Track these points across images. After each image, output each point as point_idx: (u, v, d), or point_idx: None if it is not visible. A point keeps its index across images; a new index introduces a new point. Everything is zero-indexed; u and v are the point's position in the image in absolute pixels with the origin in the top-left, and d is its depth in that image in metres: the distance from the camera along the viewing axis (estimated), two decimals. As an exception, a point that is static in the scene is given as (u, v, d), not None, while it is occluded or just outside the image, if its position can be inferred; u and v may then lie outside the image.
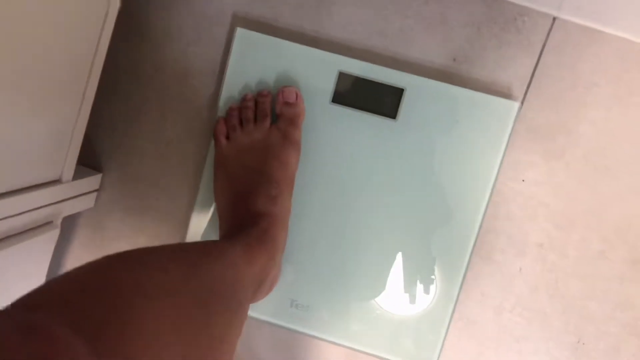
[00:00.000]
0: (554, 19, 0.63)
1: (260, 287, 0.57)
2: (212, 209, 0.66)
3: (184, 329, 0.37)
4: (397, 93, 0.63)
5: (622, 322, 0.65)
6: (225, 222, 0.60)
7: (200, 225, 0.67)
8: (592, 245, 0.65)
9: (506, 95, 0.64)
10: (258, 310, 0.67)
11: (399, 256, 0.65)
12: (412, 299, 0.65)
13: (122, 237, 0.70)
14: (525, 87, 0.64)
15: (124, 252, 0.39)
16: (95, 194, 0.69)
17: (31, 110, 0.51)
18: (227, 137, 0.63)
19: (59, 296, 0.32)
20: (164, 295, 0.37)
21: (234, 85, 0.65)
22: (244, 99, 0.63)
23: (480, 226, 0.64)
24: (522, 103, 0.64)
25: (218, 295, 0.43)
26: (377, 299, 0.66)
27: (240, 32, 0.63)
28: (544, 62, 0.63)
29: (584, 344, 0.66)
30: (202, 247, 0.48)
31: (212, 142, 0.64)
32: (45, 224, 0.60)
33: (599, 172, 0.64)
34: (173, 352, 0.35)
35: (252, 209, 0.57)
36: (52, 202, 0.59)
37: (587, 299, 0.66)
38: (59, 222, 0.62)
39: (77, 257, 0.71)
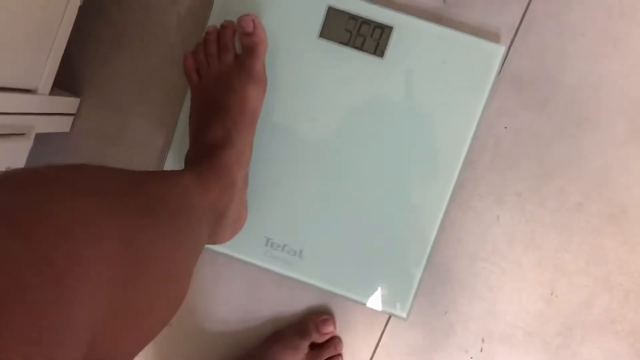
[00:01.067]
0: (545, -32, 0.63)
1: (218, 222, 0.55)
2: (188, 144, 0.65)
3: (129, 228, 0.33)
4: (386, 31, 0.63)
5: (595, 276, 0.66)
6: (187, 157, 0.59)
7: (178, 158, 0.66)
8: (571, 197, 0.65)
9: (494, 40, 0.64)
10: (231, 248, 0.66)
11: (377, 196, 0.64)
12: (388, 241, 0.64)
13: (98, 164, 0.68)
14: (512, 34, 0.64)
15: (69, 163, 0.36)
16: (71, 118, 0.68)
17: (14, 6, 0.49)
18: (199, 74, 0.61)
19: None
20: (103, 193, 0.34)
21: (219, 17, 0.63)
22: (207, 33, 0.61)
23: (461, 171, 0.64)
24: (508, 49, 0.64)
25: (167, 207, 0.41)
26: (353, 241, 0.65)
27: (230, -43, 0.63)
28: (533, 10, 0.64)
29: (557, 296, 0.66)
30: (150, 171, 0.46)
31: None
32: (18, 134, 0.58)
33: (580, 124, 0.64)
34: (118, 248, 0.32)
35: (206, 141, 0.56)
36: (26, 111, 0.57)
37: (563, 250, 0.66)
38: (31, 136, 0.60)
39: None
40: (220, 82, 0.60)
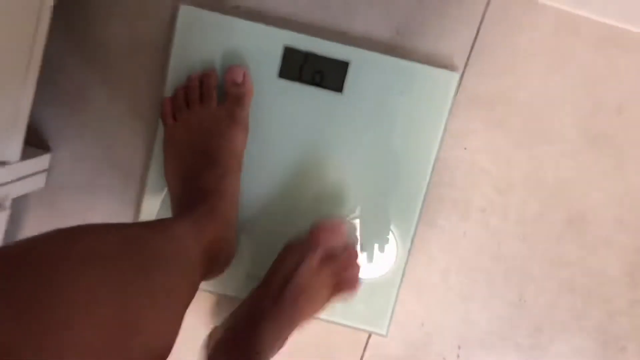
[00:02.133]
0: (492, -10, 0.64)
1: (212, 262, 0.58)
2: (164, 188, 0.67)
3: (121, 292, 0.37)
4: (342, 67, 0.64)
5: (559, 279, 0.70)
6: (175, 201, 0.61)
7: (153, 203, 0.68)
8: (531, 208, 0.68)
9: (448, 65, 0.66)
10: (215, 286, 0.69)
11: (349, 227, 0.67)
12: (363, 265, 0.68)
13: (75, 215, 0.71)
14: (465, 58, 0.66)
15: (65, 227, 0.40)
16: (45, 173, 0.69)
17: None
18: (174, 118, 0.63)
19: None
20: (99, 260, 0.37)
21: (180, 63, 0.65)
22: (189, 79, 0.63)
23: (426, 193, 0.67)
24: (462, 73, 0.66)
25: (160, 264, 0.44)
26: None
27: (184, 9, 0.63)
28: (483, 33, 0.65)
29: (525, 301, 0.70)
30: (144, 223, 0.49)
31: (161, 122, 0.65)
32: (-6, 206, 0.60)
33: (535, 138, 0.67)
34: (108, 312, 0.35)
35: (199, 188, 0.58)
36: (-1, 183, 0.59)
37: (527, 258, 0.69)
38: (7, 204, 0.62)
39: (31, 238, 0.71)
40: (203, 127, 0.62)
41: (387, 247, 0.67)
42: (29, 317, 0.30)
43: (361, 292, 0.68)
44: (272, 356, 0.61)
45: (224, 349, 0.59)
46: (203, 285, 0.67)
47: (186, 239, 0.51)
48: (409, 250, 0.67)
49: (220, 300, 0.71)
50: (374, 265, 0.67)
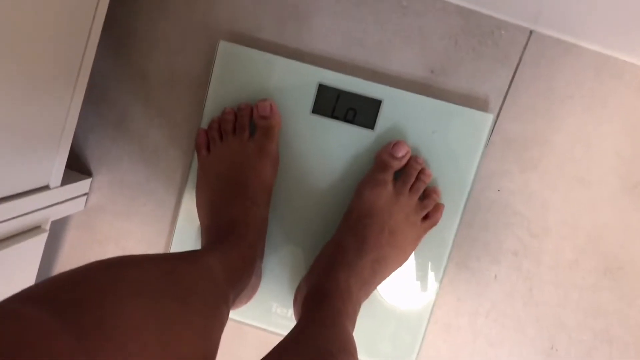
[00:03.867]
0: (531, 32, 0.64)
1: (239, 293, 0.59)
2: (196, 217, 0.68)
3: (165, 322, 0.39)
4: (375, 104, 0.65)
5: (594, 330, 0.67)
6: (205, 230, 0.63)
7: (185, 230, 0.70)
8: (566, 254, 0.66)
9: (483, 106, 0.65)
10: (242, 315, 0.69)
11: (377, 262, 0.67)
12: (391, 303, 0.67)
13: (111, 239, 0.73)
14: (502, 99, 0.65)
15: (106, 258, 0.42)
16: (84, 197, 0.72)
17: (19, 116, 0.53)
18: (209, 148, 0.65)
19: (41, 290, 0.35)
20: (145, 290, 0.40)
21: (217, 96, 0.66)
22: (224, 112, 0.65)
23: (457, 234, 0.66)
24: (498, 114, 0.65)
25: (196, 295, 0.46)
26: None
27: (223, 44, 0.65)
28: (521, 74, 0.64)
29: (557, 350, 0.68)
30: (178, 255, 0.50)
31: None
32: (34, 229, 0.63)
33: (571, 182, 0.65)
34: (153, 339, 0.37)
35: (228, 218, 0.60)
36: (40, 207, 0.62)
37: (561, 306, 0.67)
38: (47, 226, 0.64)
39: (67, 258, 0.74)
40: (236, 159, 0.63)
41: (419, 280, 0.66)
42: (89, 343, 0.32)
43: (388, 329, 0.67)
44: (366, 296, 0.61)
45: (312, 299, 0.58)
46: (231, 314, 0.68)
47: (215, 271, 0.52)
48: (438, 290, 0.66)
49: (245, 329, 0.72)
50: (405, 296, 0.67)
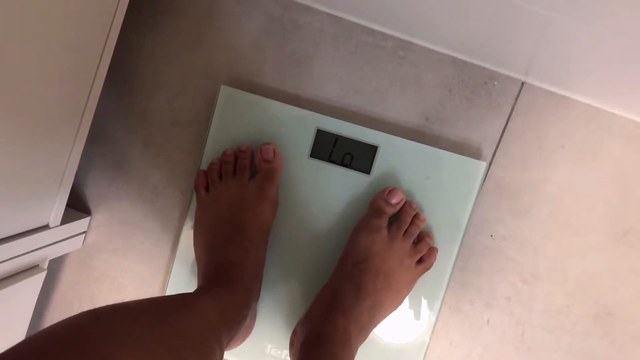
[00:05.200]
0: (522, 83, 0.66)
1: (234, 333, 0.59)
2: (193, 255, 0.69)
3: None
4: (371, 150, 0.66)
5: (585, 375, 0.68)
6: (201, 270, 0.63)
7: (182, 269, 0.70)
8: (557, 300, 0.67)
9: (476, 154, 0.67)
10: (237, 356, 0.69)
11: (371, 305, 0.67)
12: (385, 345, 0.67)
13: (107, 277, 0.73)
14: (494, 147, 0.67)
15: (97, 307, 0.42)
16: (82, 236, 0.72)
17: (22, 158, 0.54)
18: (207, 189, 0.66)
19: (33, 349, 0.35)
20: (135, 342, 0.40)
21: (217, 138, 0.68)
22: (224, 154, 0.66)
23: (450, 277, 0.67)
24: (491, 162, 0.67)
25: (189, 343, 0.46)
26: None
27: (224, 89, 0.67)
28: (513, 124, 0.66)
29: (548, 395, 0.68)
30: (172, 299, 0.51)
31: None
32: (32, 268, 0.63)
33: (563, 229, 0.67)
34: None
35: (225, 259, 0.60)
36: (39, 247, 0.62)
37: (553, 351, 0.68)
38: (45, 265, 0.65)
39: (63, 295, 0.74)
40: (236, 200, 0.64)
41: (413, 323, 0.67)
42: None
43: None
44: (362, 340, 0.61)
45: (311, 343, 0.58)
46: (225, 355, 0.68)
47: (209, 314, 0.52)
48: (431, 334, 0.67)
49: (240, 371, 0.72)
50: (400, 340, 0.67)
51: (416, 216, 0.64)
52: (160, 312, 0.46)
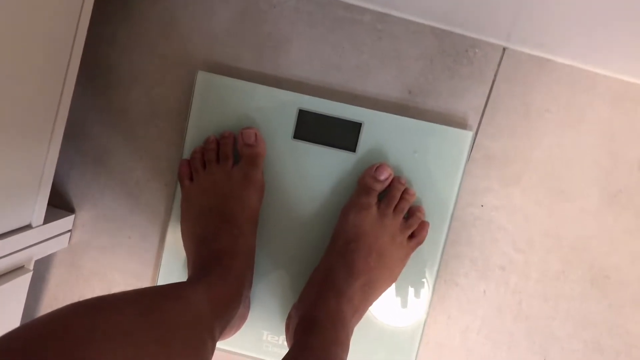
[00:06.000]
0: (504, 49, 0.65)
1: (227, 323, 0.58)
2: (182, 248, 0.68)
3: None
4: (355, 127, 0.65)
5: (584, 340, 0.67)
6: (191, 261, 0.62)
7: (172, 261, 0.69)
8: (552, 266, 0.67)
9: (462, 124, 0.66)
10: (232, 345, 0.69)
11: (365, 284, 0.67)
12: (382, 325, 0.67)
13: (97, 274, 0.72)
14: (479, 116, 0.66)
15: (82, 300, 0.41)
16: (68, 234, 0.71)
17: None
18: (191, 179, 0.64)
19: (14, 342, 0.34)
20: (121, 335, 0.38)
21: (198, 126, 0.67)
22: (206, 141, 0.65)
23: (443, 251, 0.66)
24: (477, 131, 0.66)
25: (178, 334, 0.45)
26: (347, 327, 0.67)
27: (201, 75, 0.65)
28: (497, 91, 0.65)
29: (549, 362, 0.68)
30: (161, 290, 0.50)
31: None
32: (18, 269, 0.62)
33: (554, 195, 0.66)
34: None
35: (215, 248, 0.59)
36: (23, 247, 0.61)
37: (550, 318, 0.67)
38: (31, 265, 0.64)
39: (53, 296, 0.73)
40: (220, 188, 0.63)
41: (409, 300, 0.66)
42: None
43: (379, 351, 0.67)
44: (358, 320, 0.61)
45: (305, 327, 0.57)
46: (218, 344, 0.67)
47: (200, 305, 0.51)
48: (428, 309, 0.66)
49: (237, 359, 0.71)
50: (396, 317, 0.66)
51: (405, 191, 0.63)
52: (148, 302, 0.45)
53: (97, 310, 0.40)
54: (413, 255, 0.64)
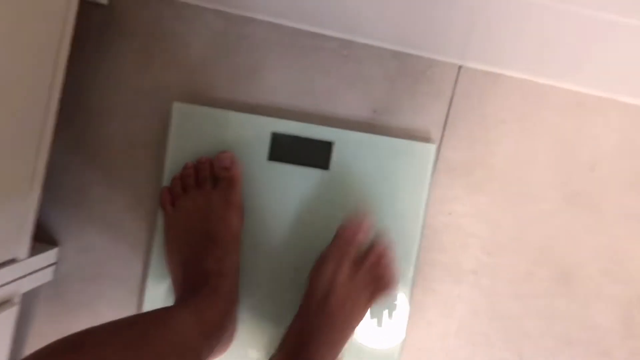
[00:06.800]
0: (460, 67, 0.70)
1: (217, 343, 0.60)
2: (166, 273, 0.70)
3: None
4: (326, 146, 0.69)
5: (556, 335, 0.71)
6: (177, 286, 0.64)
7: (157, 288, 0.71)
8: (520, 267, 0.71)
9: (425, 138, 0.70)
10: (219, 363, 0.70)
11: (346, 296, 0.69)
12: (363, 338, 0.69)
13: (83, 306, 0.73)
14: (441, 130, 0.70)
15: (65, 337, 0.41)
16: (53, 267, 0.72)
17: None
18: (173, 204, 0.67)
19: None
20: None
21: (176, 155, 0.69)
22: (184, 168, 0.68)
23: (417, 259, 0.69)
24: (440, 144, 0.70)
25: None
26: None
27: (177, 105, 0.69)
28: (456, 107, 0.70)
29: (525, 360, 0.71)
30: (147, 318, 0.51)
31: (161, 210, 0.69)
32: (4, 303, 0.63)
33: (516, 199, 0.70)
34: None
35: (200, 271, 0.61)
36: (8, 281, 0.62)
37: (523, 317, 0.71)
38: (17, 299, 0.65)
39: (40, 331, 0.74)
40: (200, 211, 0.65)
41: (389, 310, 0.69)
42: None
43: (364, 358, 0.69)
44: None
45: None
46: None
47: (187, 328, 0.53)
48: (408, 316, 0.69)
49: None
50: (377, 333, 0.69)
51: (382, 251, 0.65)
52: (133, 333, 0.46)
53: (79, 348, 0.41)
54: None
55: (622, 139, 0.70)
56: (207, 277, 0.61)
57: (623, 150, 0.70)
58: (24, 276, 0.65)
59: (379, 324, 0.69)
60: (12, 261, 0.63)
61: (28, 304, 0.73)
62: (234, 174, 0.66)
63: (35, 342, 0.74)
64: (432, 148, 0.69)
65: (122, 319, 0.47)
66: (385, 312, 0.69)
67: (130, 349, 0.43)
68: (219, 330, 0.59)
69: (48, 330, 0.74)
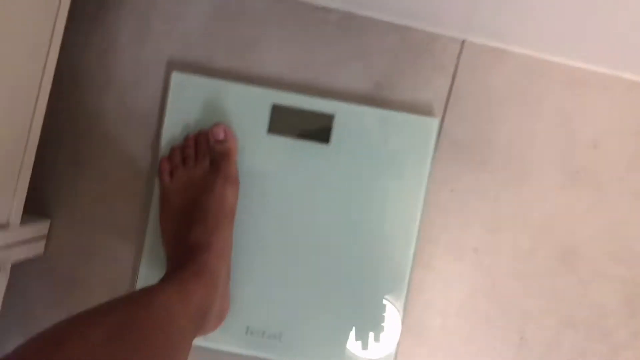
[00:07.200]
0: (463, 41, 0.69)
1: (203, 320, 0.58)
2: (160, 248, 0.68)
3: None
4: (327, 119, 0.68)
5: (557, 315, 0.70)
6: (169, 257, 0.62)
7: (151, 262, 0.69)
8: (522, 246, 0.70)
9: (428, 113, 0.69)
10: (213, 340, 0.68)
11: (344, 272, 0.68)
12: (363, 311, 0.68)
13: (74, 281, 0.71)
14: (444, 105, 0.69)
15: (42, 332, 0.39)
16: (44, 240, 0.71)
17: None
18: (171, 175, 0.66)
19: None
20: (95, 348, 0.38)
21: (173, 126, 0.68)
22: (185, 139, 0.66)
23: (418, 236, 0.68)
24: (442, 119, 0.69)
25: (149, 345, 0.44)
26: (328, 317, 0.68)
27: (175, 75, 0.68)
28: (459, 81, 0.69)
29: (526, 340, 0.70)
30: (130, 301, 0.48)
31: (157, 181, 0.67)
32: (-7, 270, 0.61)
33: (519, 177, 0.70)
34: None
35: (190, 243, 0.60)
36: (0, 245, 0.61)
37: (524, 296, 0.70)
38: (7, 266, 0.63)
39: (31, 308, 0.72)
40: (197, 184, 0.64)
41: (388, 285, 0.68)
42: None
43: (361, 339, 0.68)
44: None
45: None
46: (200, 341, 0.67)
47: (173, 306, 0.50)
48: (406, 294, 0.68)
49: (222, 357, 0.71)
50: (376, 304, 0.68)
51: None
52: (118, 319, 0.43)
53: (57, 345, 0.38)
54: (388, 241, 0.66)
55: (626, 116, 0.70)
56: (196, 251, 0.59)
57: (626, 128, 0.70)
58: (14, 245, 0.64)
59: (360, 315, 0.68)
60: (4, 226, 0.61)
61: (19, 278, 0.71)
62: (227, 147, 0.65)
63: (28, 319, 0.72)
64: (434, 122, 0.68)
65: (103, 305, 0.45)
66: (366, 302, 0.68)
67: (114, 339, 0.41)
68: (207, 307, 0.57)
69: (39, 308, 0.72)
